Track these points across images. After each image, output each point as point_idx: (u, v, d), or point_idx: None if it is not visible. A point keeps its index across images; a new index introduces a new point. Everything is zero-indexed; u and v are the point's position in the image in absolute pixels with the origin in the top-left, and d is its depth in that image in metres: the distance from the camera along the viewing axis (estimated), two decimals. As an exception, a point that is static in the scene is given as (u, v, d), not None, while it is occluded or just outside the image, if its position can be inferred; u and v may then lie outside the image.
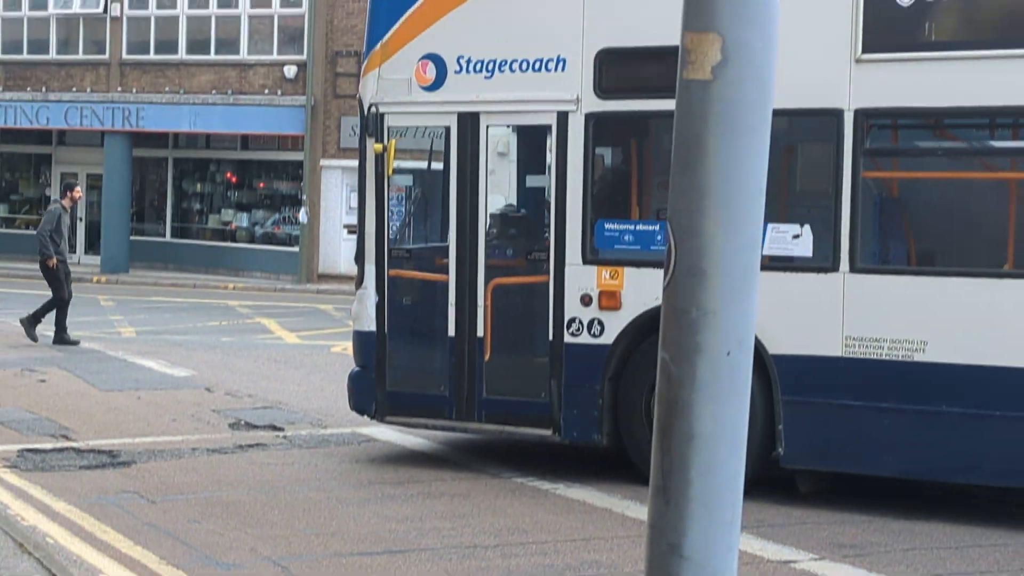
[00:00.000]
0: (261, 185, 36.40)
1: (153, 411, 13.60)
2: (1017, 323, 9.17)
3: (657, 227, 10.36)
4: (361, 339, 11.47)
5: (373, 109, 11.18)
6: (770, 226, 9.61)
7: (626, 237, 10.51)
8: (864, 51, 9.58)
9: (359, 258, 11.49)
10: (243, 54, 34.78)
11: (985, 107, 9.50)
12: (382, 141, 11.18)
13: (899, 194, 10.34)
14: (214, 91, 34.72)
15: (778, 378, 9.82)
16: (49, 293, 19.53)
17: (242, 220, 36.34)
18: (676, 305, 3.58)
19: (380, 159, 11.20)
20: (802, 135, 10.23)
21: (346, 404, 11.93)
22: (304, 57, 33.99)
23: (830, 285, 9.71)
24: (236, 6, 34.81)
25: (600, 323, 10.50)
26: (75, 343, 19.00)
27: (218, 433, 12.57)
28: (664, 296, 3.62)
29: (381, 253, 11.29)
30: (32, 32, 37.44)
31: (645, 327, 10.31)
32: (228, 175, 36.89)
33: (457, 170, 11.00)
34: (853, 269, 9.70)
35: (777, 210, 9.92)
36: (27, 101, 36.75)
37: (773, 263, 9.54)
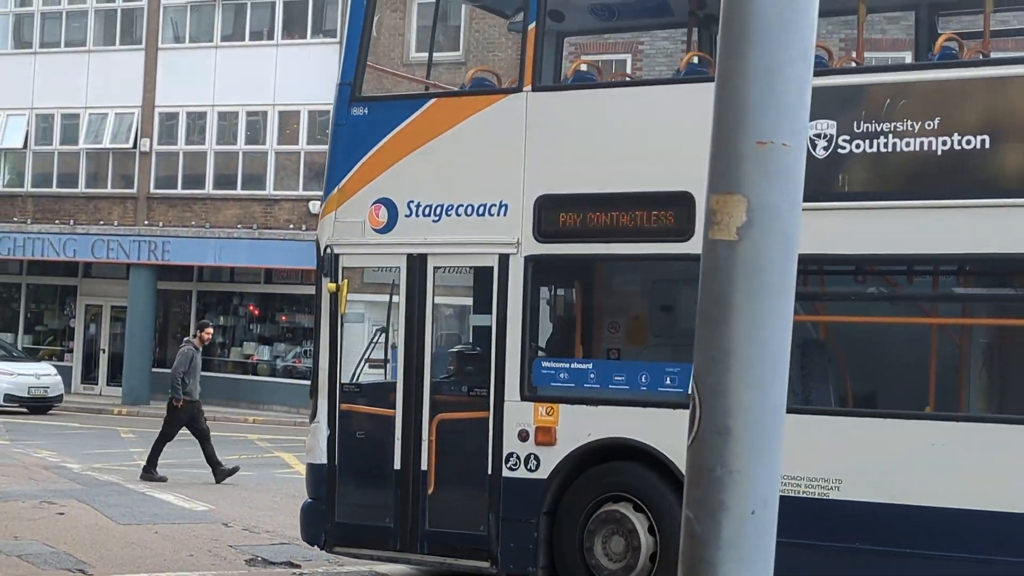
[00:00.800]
0: (283, 318, 36.57)
1: (171, 546, 13.50)
2: (927, 463, 9.35)
3: (590, 365, 10.79)
4: (313, 471, 11.83)
5: (328, 250, 11.73)
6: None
7: (561, 375, 10.85)
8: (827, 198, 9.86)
9: (312, 392, 11.85)
10: (269, 189, 35.14)
11: (909, 255, 9.88)
12: (336, 281, 11.69)
13: (817, 336, 10.66)
14: (239, 225, 35.05)
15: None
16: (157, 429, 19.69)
17: (263, 353, 36.46)
18: (700, 463, 3.60)
19: (334, 298, 11.70)
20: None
21: None
22: (331, 193, 34.21)
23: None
24: (263, 143, 35.26)
25: (536, 458, 10.78)
26: (163, 479, 18.94)
27: (235, 570, 12.44)
28: (689, 454, 3.64)
29: (333, 388, 11.69)
30: (62, 166, 37.95)
31: (579, 462, 10.61)
32: (251, 308, 37.10)
33: (405, 308, 11.48)
34: (836, 412, 10.04)
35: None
36: (55, 233, 37.14)
37: (686, 401, 9.15)
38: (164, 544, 13.57)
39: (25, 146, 38.19)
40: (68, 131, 37.72)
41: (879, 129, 9.68)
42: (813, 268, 10.02)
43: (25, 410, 32.62)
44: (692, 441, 3.61)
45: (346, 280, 11.69)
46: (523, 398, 10.84)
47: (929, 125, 9.54)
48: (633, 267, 11.18)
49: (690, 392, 3.65)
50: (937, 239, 9.56)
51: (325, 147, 36.10)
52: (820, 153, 9.81)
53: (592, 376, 10.68)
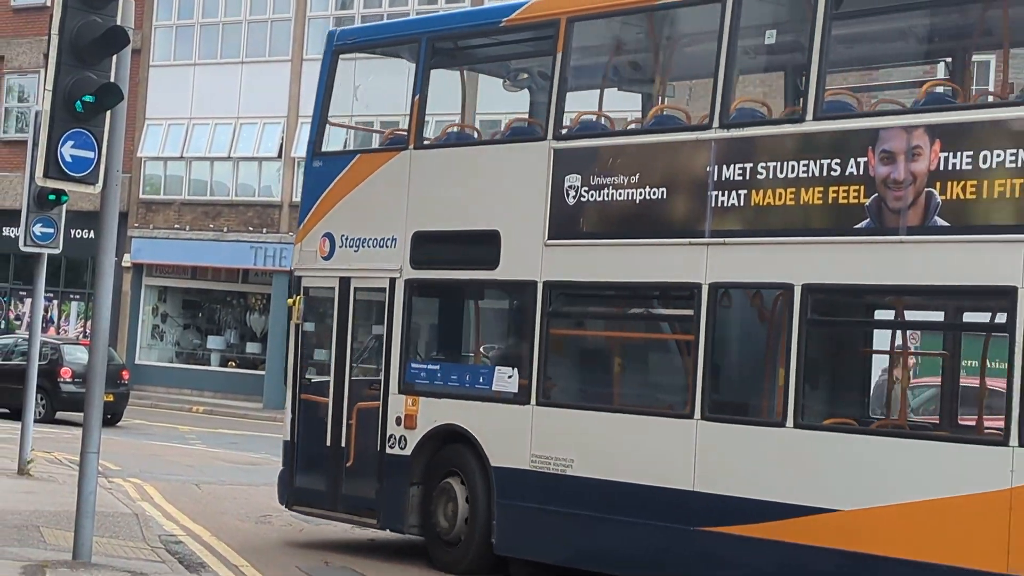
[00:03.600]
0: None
1: None
2: (652, 448, 11.71)
3: (438, 367, 13.59)
4: (283, 446, 14.83)
5: (295, 273, 14.87)
6: (496, 368, 12.93)
7: (422, 374, 13.60)
8: (553, 236, 12.53)
9: (285, 383, 14.83)
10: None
11: (638, 283, 12.23)
12: (294, 297, 14.64)
13: (572, 346, 13.17)
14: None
15: (495, 484, 12.72)
16: None
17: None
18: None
19: (290, 311, 14.69)
20: (517, 299, 13.20)
21: None
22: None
23: (525, 415, 12.58)
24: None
25: (404, 439, 13.51)
26: None
27: None
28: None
29: (295, 381, 14.63)
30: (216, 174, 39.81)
31: (431, 444, 13.30)
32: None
33: (337, 320, 14.24)
34: (538, 403, 12.51)
35: (502, 355, 13.32)
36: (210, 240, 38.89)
37: (496, 396, 12.77)
38: None
39: (181, 155, 40.01)
40: (219, 140, 39.04)
41: (604, 182, 12.18)
42: (561, 292, 12.60)
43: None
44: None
45: (299, 297, 14.54)
46: (399, 391, 13.56)
47: (632, 179, 12.01)
48: (462, 289, 13.78)
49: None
50: (639, 270, 12.00)
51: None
52: (571, 200, 12.39)
53: (439, 375, 13.48)
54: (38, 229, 17.67)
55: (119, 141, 11.72)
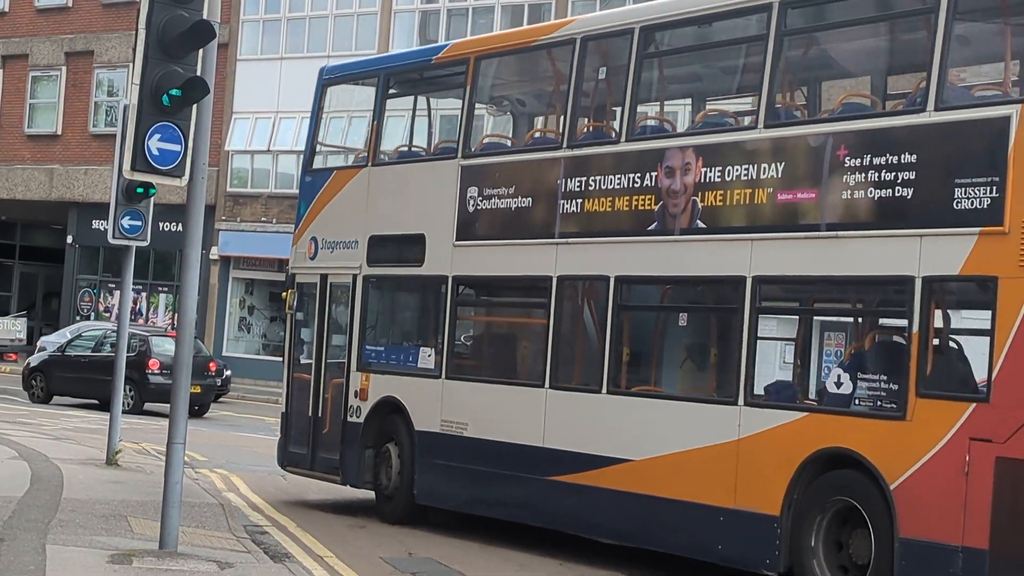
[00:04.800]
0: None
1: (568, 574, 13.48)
2: (517, 413, 14.15)
3: (382, 348, 16.16)
4: (281, 417, 17.50)
5: (290, 270, 17.41)
6: (421, 349, 15.53)
7: (372, 355, 16.14)
8: (460, 239, 14.99)
9: (284, 363, 17.67)
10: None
11: (512, 276, 14.79)
12: (288, 291, 17.23)
13: (471, 329, 15.79)
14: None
15: (417, 445, 15.19)
16: None
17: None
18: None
19: (284, 302, 17.31)
20: (434, 291, 15.52)
21: None
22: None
23: (437, 387, 15.08)
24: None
25: (359, 409, 15.99)
26: None
27: None
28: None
29: (290, 362, 17.25)
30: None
31: (377, 413, 15.76)
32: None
33: (318, 310, 16.80)
34: (446, 377, 15.01)
35: (425, 338, 15.80)
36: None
37: (420, 372, 15.31)
38: (561, 570, 13.26)
39: (268, 148, 40.45)
40: (305, 134, 39.42)
41: (493, 193, 14.69)
42: (464, 285, 15.22)
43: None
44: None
45: (292, 290, 17.12)
46: (357, 369, 16.13)
47: (509, 191, 14.50)
48: (401, 283, 16.29)
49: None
50: (513, 266, 14.52)
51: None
52: (471, 208, 14.85)
53: (384, 355, 16.06)
54: (126, 222, 17.87)
55: (205, 134, 11.82)
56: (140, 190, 17.03)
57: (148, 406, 30.44)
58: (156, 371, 30.08)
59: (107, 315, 43.14)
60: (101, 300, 44.44)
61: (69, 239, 44.89)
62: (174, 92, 11.28)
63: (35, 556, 10.95)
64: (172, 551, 11.60)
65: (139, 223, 17.94)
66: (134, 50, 11.47)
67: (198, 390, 29.35)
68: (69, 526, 12.77)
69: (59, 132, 45.19)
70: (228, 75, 40.94)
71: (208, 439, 22.85)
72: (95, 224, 41.64)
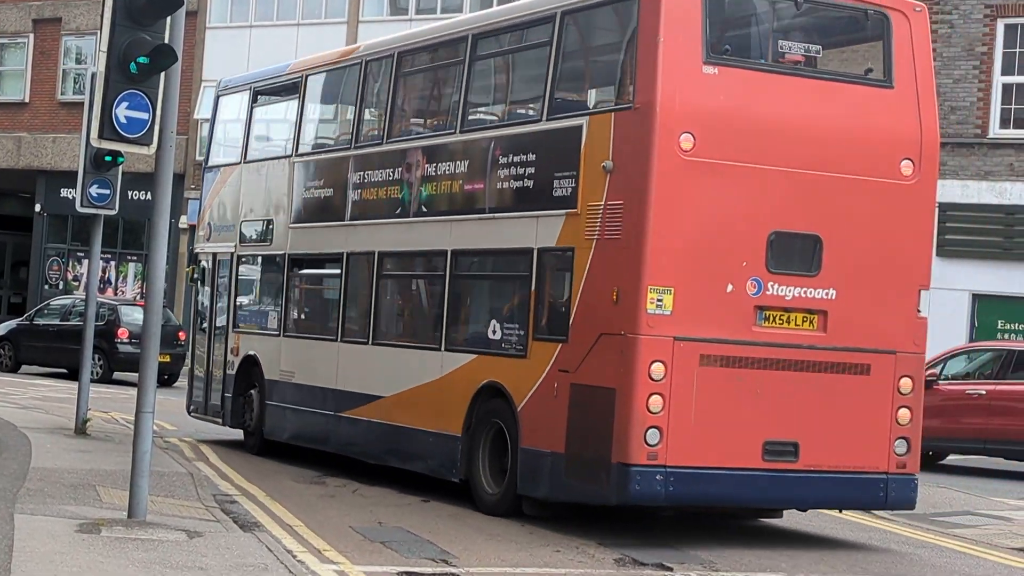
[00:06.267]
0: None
1: (537, 540, 12.98)
2: (323, 362, 17.44)
3: (248, 312, 19.71)
4: (188, 373, 21.45)
5: (193, 249, 21.36)
6: (270, 312, 18.96)
7: (242, 319, 19.66)
8: (293, 223, 18.30)
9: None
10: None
11: (322, 253, 18.07)
12: (191, 266, 21.09)
13: (300, 296, 18.99)
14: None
15: (266, 391, 18.56)
16: None
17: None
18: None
19: (189, 276, 21.45)
20: (277, 265, 18.75)
21: (739, 545, 13.18)
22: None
23: (278, 343, 18.56)
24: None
25: (233, 363, 19.37)
26: None
27: (603, 569, 11.85)
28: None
29: (193, 326, 21.16)
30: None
31: (244, 365, 19.11)
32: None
33: (211, 283, 20.30)
34: (283, 335, 18.46)
35: (270, 304, 19.11)
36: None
37: (268, 331, 18.82)
38: (529, 538, 13.10)
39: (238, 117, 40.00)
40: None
41: (312, 184, 18.05)
42: (295, 260, 18.43)
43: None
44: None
45: (195, 266, 20.75)
46: (233, 330, 19.57)
47: (320, 183, 17.92)
48: (258, 259, 19.44)
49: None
50: (322, 244, 17.87)
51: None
52: (300, 197, 18.16)
53: (248, 319, 19.60)
54: (95, 190, 17.80)
55: (174, 102, 11.76)
56: (108, 158, 16.98)
57: (117, 375, 30.38)
58: (125, 340, 30.02)
59: (75, 284, 42.99)
60: (70, 269, 44.22)
61: (37, 207, 44.61)
62: (142, 60, 11.22)
63: (2, 525, 10.94)
64: (141, 520, 11.60)
65: (107, 192, 17.88)
66: (101, 17, 11.40)
67: (167, 359, 29.33)
68: (37, 495, 12.77)
69: (27, 100, 44.86)
70: (197, 43, 40.70)
71: (177, 408, 22.78)
72: (63, 192, 41.40)
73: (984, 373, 22.34)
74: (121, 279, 43.36)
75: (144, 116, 11.41)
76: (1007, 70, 30.03)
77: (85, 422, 18.54)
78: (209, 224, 20.49)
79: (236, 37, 40.55)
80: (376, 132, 17.10)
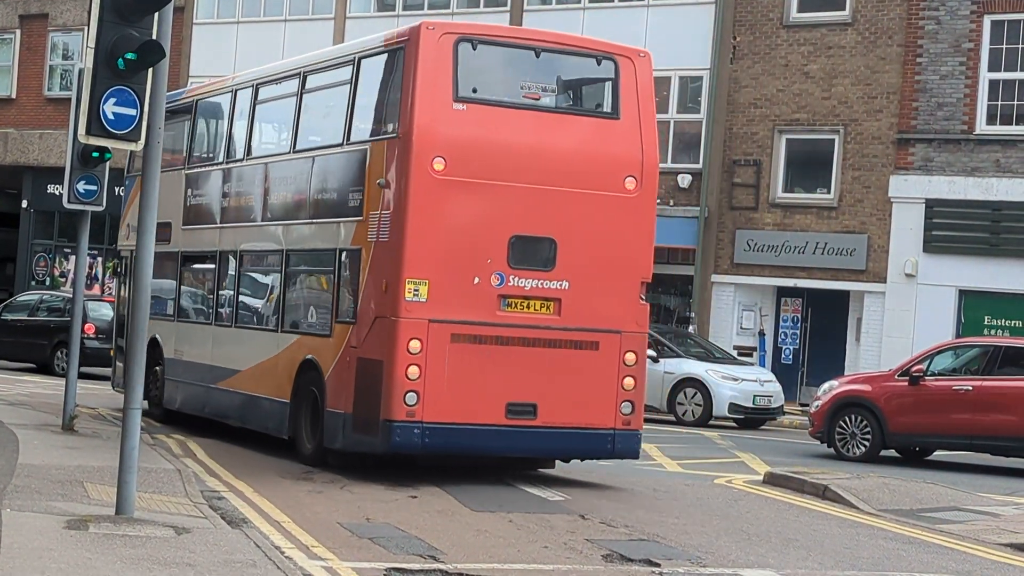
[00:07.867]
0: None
1: (524, 536, 13.04)
2: (203, 343, 20.72)
3: (154, 301, 20.17)
4: (112, 357, 24.45)
5: (117, 247, 24.57)
6: (168, 301, 21.94)
7: (157, 306, 20.90)
8: (184, 224, 21.46)
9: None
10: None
11: (203, 251, 21.04)
12: (113, 263, 23.88)
13: (189, 286, 21.86)
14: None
15: (165, 366, 21.76)
16: None
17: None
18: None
19: (112, 273, 24.37)
20: (174, 261, 21.71)
21: (728, 541, 13.18)
22: (700, 166, 33.23)
23: (173, 326, 21.81)
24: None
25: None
26: None
27: (590, 565, 11.85)
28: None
29: (116, 314, 24.04)
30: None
31: (151, 346, 20.20)
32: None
33: (130, 277, 21.88)
34: (177, 320, 21.73)
35: (172, 294, 21.95)
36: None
37: (167, 317, 21.82)
38: (517, 534, 13.16)
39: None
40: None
41: (197, 193, 21.17)
42: (185, 256, 21.61)
43: (735, 424, 28.41)
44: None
45: (116, 260, 24.08)
46: (150, 318, 21.11)
47: (201, 191, 21.21)
48: (161, 256, 18.94)
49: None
50: (201, 243, 20.91)
51: (697, 116, 35.30)
52: (189, 203, 21.40)
53: (155, 306, 20.16)
54: (81, 186, 17.77)
55: (161, 98, 11.76)
56: (95, 154, 16.92)
57: (84, 369, 30.27)
58: (92, 336, 29.90)
59: (62, 280, 42.89)
60: (56, 265, 44.11)
61: (24, 204, 44.49)
62: (129, 56, 11.21)
63: (-9, 522, 10.92)
64: (129, 517, 11.59)
65: (95, 188, 17.85)
66: (89, 13, 11.38)
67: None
68: (25, 492, 12.75)
69: (13, 96, 44.74)
70: (184, 39, 40.64)
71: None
72: (50, 188, 41.29)
73: (971, 369, 22.34)
74: (108, 275, 43.26)
75: (132, 112, 11.42)
76: (994, 66, 30.13)
77: (73, 418, 18.51)
78: (128, 225, 22.83)
79: (223, 33, 40.50)
80: (240, 150, 20.14)
